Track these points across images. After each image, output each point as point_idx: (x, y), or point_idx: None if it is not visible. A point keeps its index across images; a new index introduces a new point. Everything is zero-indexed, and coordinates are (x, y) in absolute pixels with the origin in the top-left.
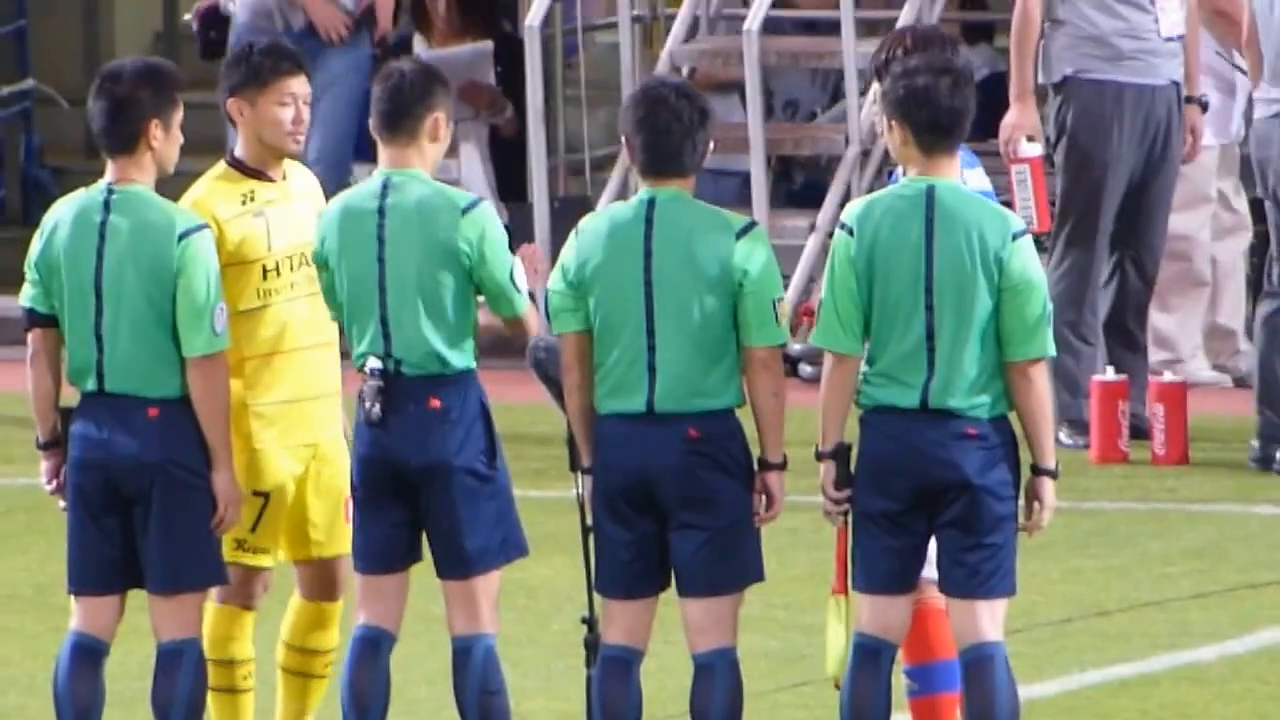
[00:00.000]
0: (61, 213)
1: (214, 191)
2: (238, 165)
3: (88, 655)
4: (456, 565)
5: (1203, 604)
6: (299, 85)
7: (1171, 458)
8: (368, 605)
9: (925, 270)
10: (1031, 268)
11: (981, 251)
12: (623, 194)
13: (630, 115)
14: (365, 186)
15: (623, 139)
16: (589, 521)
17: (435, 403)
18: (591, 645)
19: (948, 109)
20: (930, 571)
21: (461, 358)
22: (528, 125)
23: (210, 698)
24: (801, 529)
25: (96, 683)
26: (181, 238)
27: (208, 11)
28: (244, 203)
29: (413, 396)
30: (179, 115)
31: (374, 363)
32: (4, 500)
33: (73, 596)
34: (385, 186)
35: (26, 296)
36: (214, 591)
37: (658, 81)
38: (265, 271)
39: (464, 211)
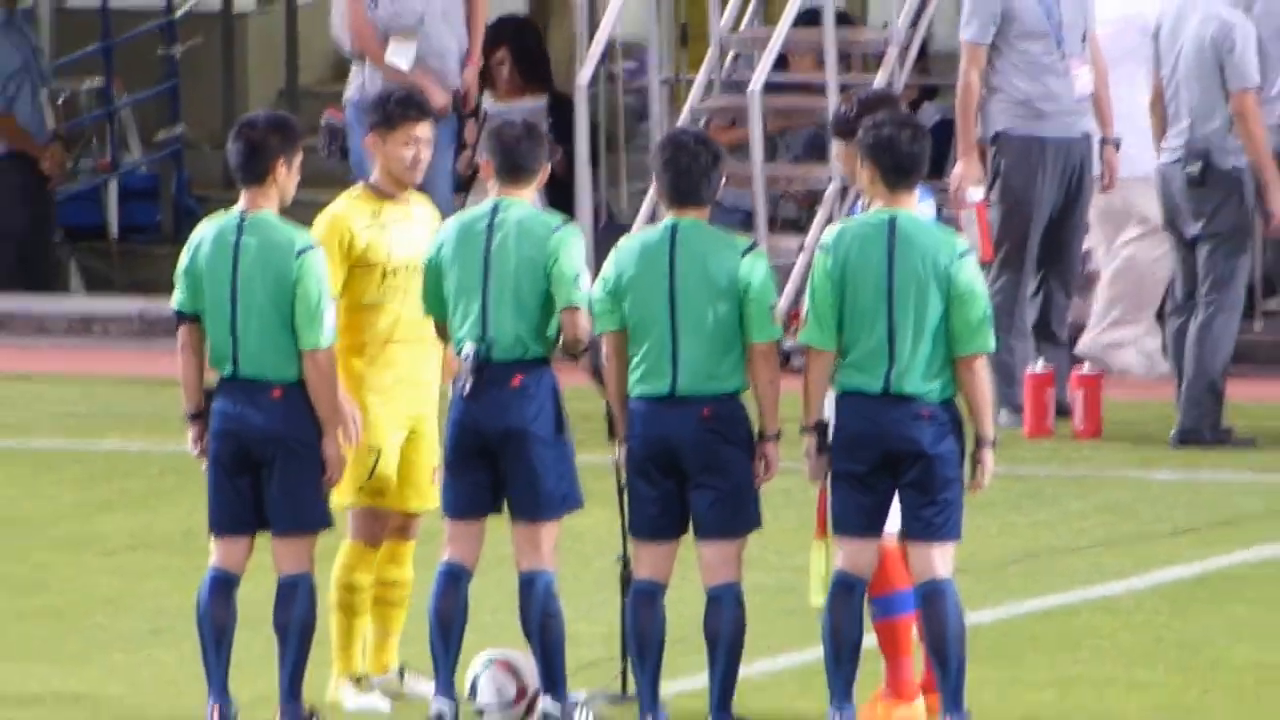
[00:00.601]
0: (204, 232)
1: (350, 207)
2: (372, 188)
3: (223, 586)
4: (527, 512)
5: (1112, 550)
6: (422, 130)
7: (1088, 433)
8: (453, 545)
9: (887, 283)
10: (975, 280)
11: (934, 267)
12: (651, 219)
13: (658, 157)
14: (479, 208)
15: (652, 176)
16: (623, 481)
17: (516, 381)
18: (625, 580)
19: (908, 154)
20: (890, 523)
21: (541, 347)
22: (576, 164)
23: (334, 615)
24: (792, 489)
25: (230, 607)
26: (299, 254)
27: (331, 128)
28: (372, 217)
29: (499, 376)
30: (299, 157)
31: (469, 347)
32: (158, 463)
33: (212, 539)
34: (495, 209)
35: (176, 300)
36: (349, 530)
37: (680, 130)
38: (384, 274)
39: (554, 230)
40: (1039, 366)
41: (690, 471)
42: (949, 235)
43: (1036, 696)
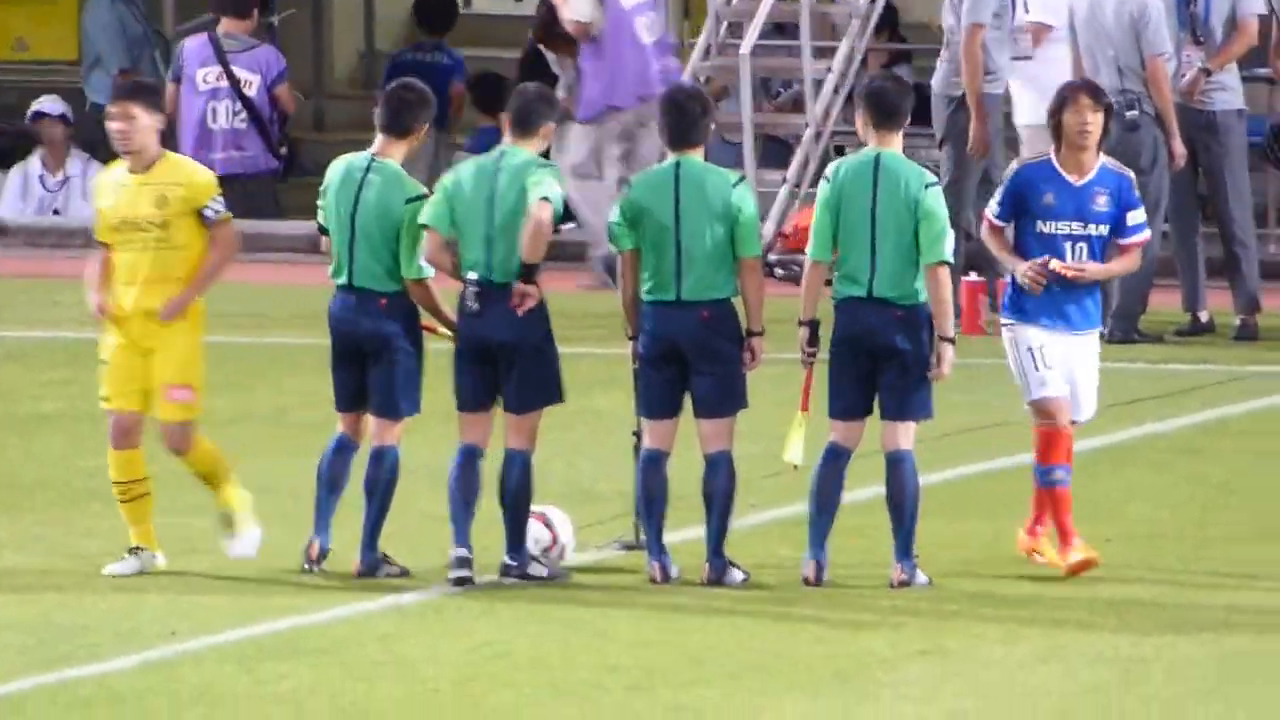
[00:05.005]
0: (334, 170)
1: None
2: None
3: (343, 448)
4: (515, 405)
5: (1025, 423)
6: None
7: None
8: (465, 432)
9: (871, 208)
10: (937, 204)
11: (906, 195)
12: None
13: (660, 108)
14: (488, 156)
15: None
16: (635, 369)
17: (514, 302)
18: (638, 449)
19: (894, 104)
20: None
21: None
22: None
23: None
24: (776, 376)
25: (346, 466)
26: (408, 201)
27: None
28: None
29: (500, 297)
30: (428, 125)
31: (472, 274)
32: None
33: (339, 414)
34: (501, 155)
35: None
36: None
37: (676, 86)
38: None
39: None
40: (973, 277)
41: (691, 361)
42: (921, 170)
43: (974, 542)
